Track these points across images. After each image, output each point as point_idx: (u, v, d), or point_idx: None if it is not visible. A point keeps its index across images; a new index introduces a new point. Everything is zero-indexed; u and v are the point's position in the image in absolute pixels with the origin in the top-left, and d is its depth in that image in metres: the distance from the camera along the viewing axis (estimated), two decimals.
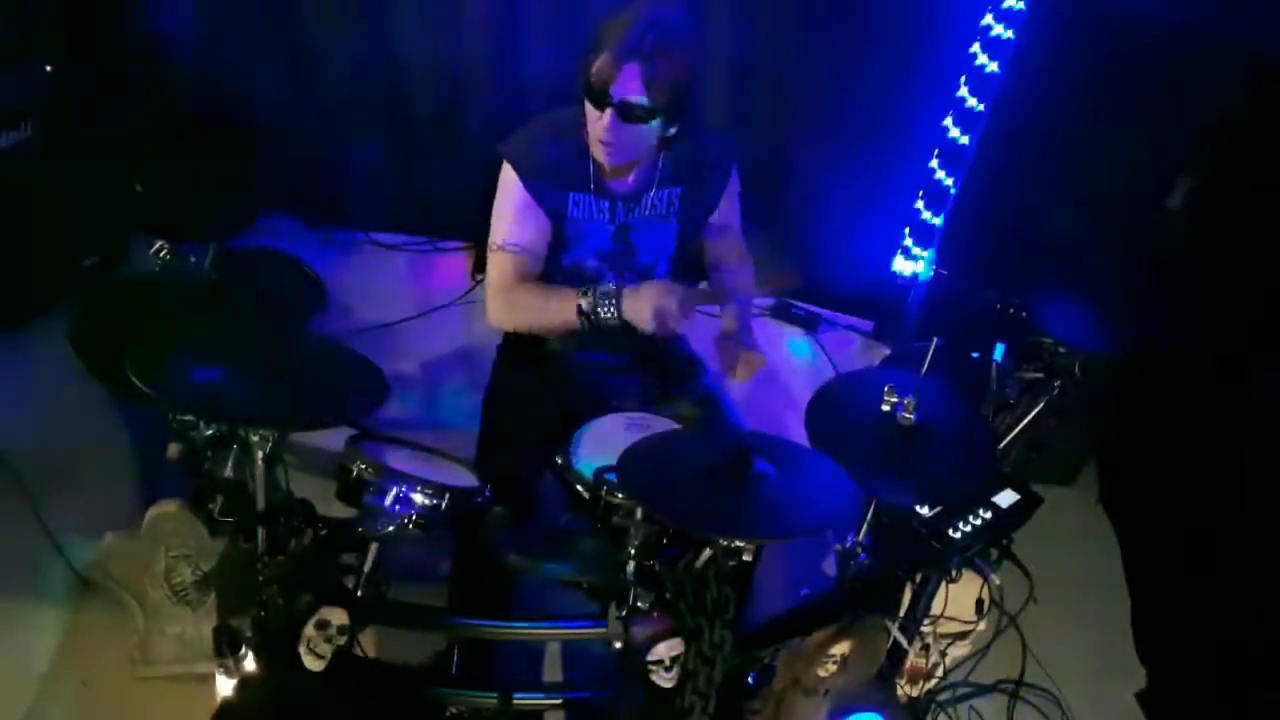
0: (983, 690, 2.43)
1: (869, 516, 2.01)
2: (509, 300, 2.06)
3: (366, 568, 1.70)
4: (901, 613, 2.00)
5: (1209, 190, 2.65)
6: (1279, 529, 2.44)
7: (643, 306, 1.92)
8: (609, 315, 1.95)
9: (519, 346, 2.28)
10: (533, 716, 1.98)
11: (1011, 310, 2.54)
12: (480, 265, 3.58)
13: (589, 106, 1.90)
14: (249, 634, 1.64)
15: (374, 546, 1.71)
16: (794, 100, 3.32)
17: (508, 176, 2.04)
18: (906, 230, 3.40)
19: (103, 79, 3.21)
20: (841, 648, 1.90)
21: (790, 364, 3.49)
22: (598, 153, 1.95)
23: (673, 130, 1.94)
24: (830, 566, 2.11)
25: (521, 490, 2.07)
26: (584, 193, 2.05)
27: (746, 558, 1.63)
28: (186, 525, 2.07)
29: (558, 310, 2.00)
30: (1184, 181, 2.65)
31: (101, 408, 2.66)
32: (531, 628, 1.92)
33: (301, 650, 1.58)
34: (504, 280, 2.06)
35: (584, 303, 1.96)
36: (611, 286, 1.97)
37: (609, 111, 1.86)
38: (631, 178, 2.06)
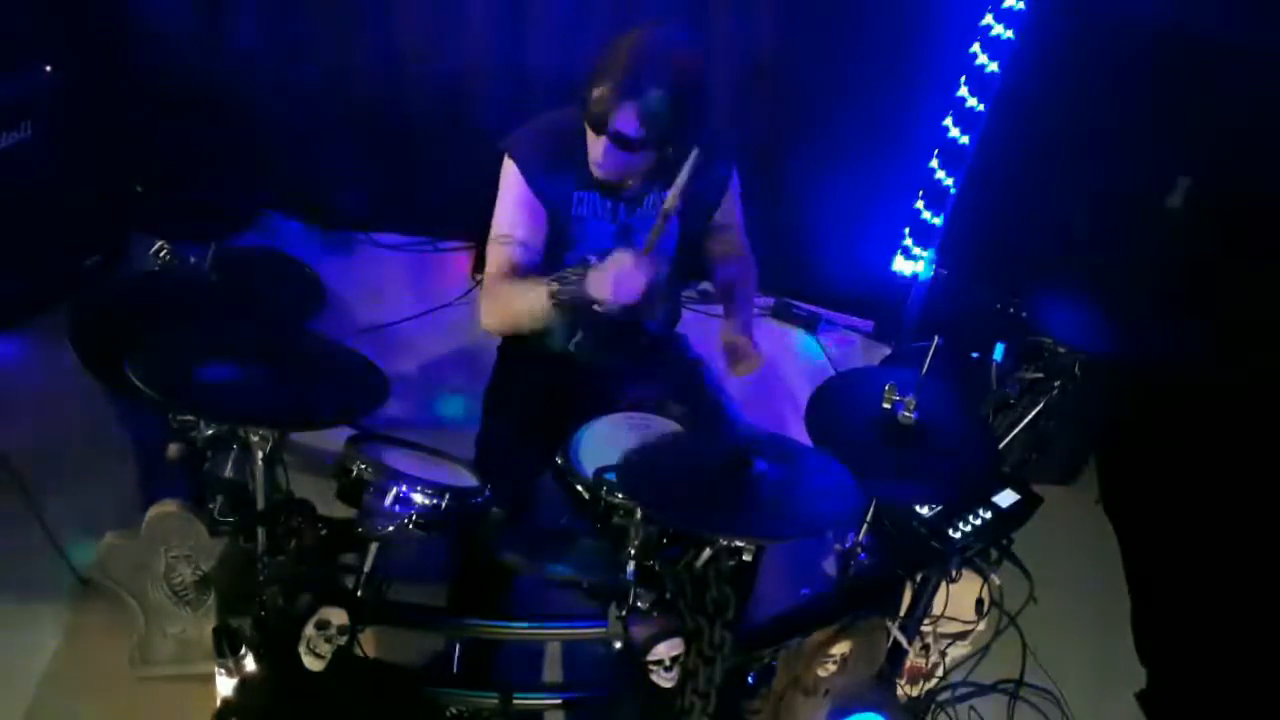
0: (983, 690, 2.43)
1: (869, 516, 2.01)
2: (492, 296, 2.07)
3: (366, 568, 1.70)
4: (901, 613, 2.00)
5: (1209, 190, 2.65)
6: (1278, 529, 2.44)
7: (604, 278, 1.89)
8: (575, 290, 1.92)
9: (519, 346, 2.28)
10: (533, 716, 1.98)
11: (1011, 310, 2.54)
12: (480, 265, 3.58)
13: (588, 128, 1.93)
14: (249, 634, 1.64)
15: (374, 546, 1.71)
16: (794, 100, 3.32)
17: (510, 172, 2.05)
18: (906, 230, 3.39)
19: (103, 79, 3.21)
20: (841, 648, 1.90)
21: (790, 363, 3.49)
22: (593, 168, 2.00)
23: (669, 150, 1.95)
24: (830, 566, 2.11)
25: (521, 490, 2.07)
26: (588, 190, 2.07)
27: (746, 558, 1.63)
28: (186, 525, 2.07)
29: (532, 298, 1.98)
30: (1184, 181, 2.65)
31: (101, 408, 2.66)
32: (531, 628, 1.92)
33: (301, 650, 1.58)
34: (499, 272, 2.07)
35: (554, 286, 1.95)
36: (578, 266, 1.97)
37: (604, 139, 1.91)
38: (633, 180, 2.07)
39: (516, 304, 2.04)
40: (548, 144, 2.04)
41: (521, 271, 2.07)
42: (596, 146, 1.95)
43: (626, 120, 1.87)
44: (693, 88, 1.91)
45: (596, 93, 1.87)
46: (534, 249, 2.08)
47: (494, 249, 2.08)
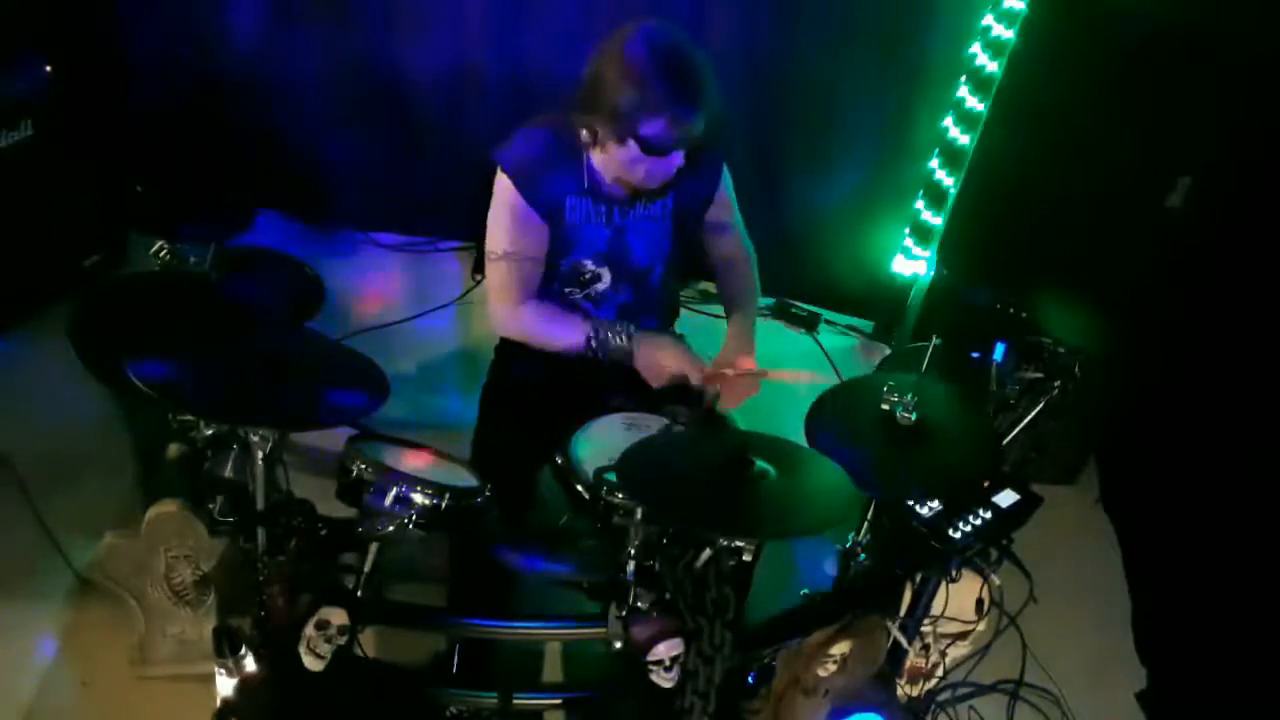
0: (983, 690, 2.43)
1: (869, 516, 2.01)
2: (515, 316, 2.11)
3: (366, 568, 1.71)
4: (901, 613, 2.00)
5: (1209, 190, 2.65)
6: (1278, 529, 2.44)
7: (655, 363, 2.04)
8: (618, 355, 2.05)
9: (518, 345, 2.28)
10: (533, 716, 1.98)
11: (1011, 310, 2.54)
12: (480, 265, 3.58)
13: (616, 141, 1.92)
14: (249, 634, 1.64)
15: (374, 546, 1.71)
16: (794, 100, 3.32)
17: (503, 184, 2.05)
18: (906, 230, 3.39)
19: (103, 79, 3.21)
20: (841, 648, 1.90)
21: (790, 363, 3.48)
22: (637, 179, 1.99)
23: None
24: (830, 566, 2.11)
25: (519, 489, 2.07)
26: (580, 196, 2.07)
27: (746, 558, 1.63)
28: (186, 525, 2.06)
29: (564, 339, 2.08)
30: (1184, 181, 2.65)
31: (101, 408, 2.66)
32: (531, 628, 1.93)
33: (301, 650, 1.58)
34: (506, 288, 2.09)
35: (593, 340, 2.05)
36: (623, 333, 2.05)
37: (655, 157, 1.90)
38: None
39: (544, 338, 2.11)
40: (538, 151, 2.04)
41: (530, 286, 2.08)
42: (639, 166, 1.93)
43: (677, 129, 1.86)
44: (711, 71, 1.91)
45: (654, 119, 1.85)
46: (539, 260, 2.09)
47: (498, 267, 2.08)
